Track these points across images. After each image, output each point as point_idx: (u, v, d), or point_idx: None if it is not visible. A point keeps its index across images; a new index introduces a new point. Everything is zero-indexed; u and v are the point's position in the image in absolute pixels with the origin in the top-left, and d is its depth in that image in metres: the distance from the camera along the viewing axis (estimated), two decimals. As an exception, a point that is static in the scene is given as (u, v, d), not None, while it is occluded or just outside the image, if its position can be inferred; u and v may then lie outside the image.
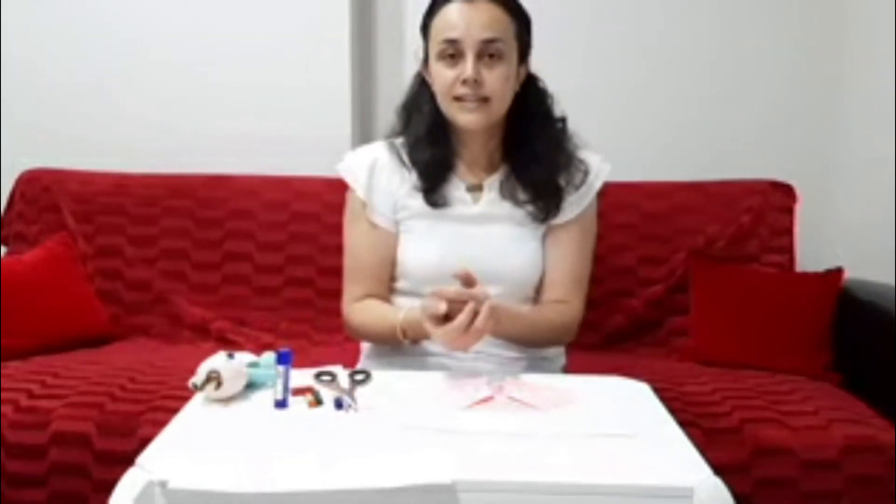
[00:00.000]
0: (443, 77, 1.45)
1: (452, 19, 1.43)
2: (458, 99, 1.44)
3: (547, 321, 1.52)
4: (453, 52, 1.43)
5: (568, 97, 1.56)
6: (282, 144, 2.43)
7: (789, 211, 2.20)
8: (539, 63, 1.57)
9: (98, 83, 2.47)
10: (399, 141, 1.56)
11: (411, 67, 1.59)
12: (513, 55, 1.46)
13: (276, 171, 2.31)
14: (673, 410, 1.22)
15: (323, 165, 2.18)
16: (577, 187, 1.53)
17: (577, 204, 1.54)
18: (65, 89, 2.47)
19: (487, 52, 1.43)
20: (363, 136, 2.49)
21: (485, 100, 1.44)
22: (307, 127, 2.42)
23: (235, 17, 2.42)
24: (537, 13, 1.53)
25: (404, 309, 1.47)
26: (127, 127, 2.47)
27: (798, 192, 2.20)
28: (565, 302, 1.54)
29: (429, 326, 1.29)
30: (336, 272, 1.69)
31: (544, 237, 1.55)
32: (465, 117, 1.46)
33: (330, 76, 2.41)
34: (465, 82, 1.42)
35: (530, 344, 1.53)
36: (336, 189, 1.67)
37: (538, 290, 1.57)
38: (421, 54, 1.52)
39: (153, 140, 2.46)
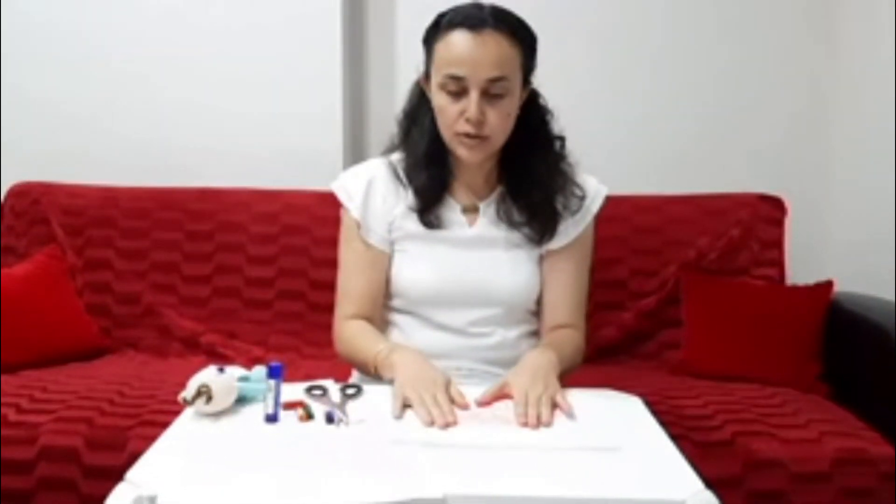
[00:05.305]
0: (445, 111, 1.42)
1: (458, 53, 1.39)
2: (458, 135, 1.42)
3: (570, 352, 1.48)
4: (456, 87, 1.40)
5: (559, 110, 1.56)
6: (272, 157, 2.43)
7: (779, 223, 2.21)
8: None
9: (88, 96, 2.46)
10: (396, 157, 1.55)
11: (403, 80, 1.58)
12: (517, 87, 1.43)
13: (267, 184, 2.31)
14: (665, 423, 1.22)
15: (314, 178, 2.18)
16: (574, 213, 1.52)
17: (574, 228, 1.52)
18: (54, 102, 2.47)
19: (492, 90, 1.40)
20: (354, 149, 2.49)
21: (485, 137, 1.42)
22: (298, 140, 2.42)
23: (226, 33, 2.43)
24: (532, 23, 1.50)
25: (382, 345, 1.44)
26: (117, 140, 2.47)
27: (791, 205, 2.22)
28: (569, 326, 1.53)
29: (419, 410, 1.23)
30: (327, 285, 1.69)
31: (541, 260, 1.54)
32: (464, 153, 1.44)
33: (321, 89, 2.41)
34: (467, 120, 1.40)
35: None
36: (327, 202, 1.66)
37: (534, 311, 1.56)
38: (422, 67, 1.49)
39: (143, 153, 2.46)
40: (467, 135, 1.41)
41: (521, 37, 1.43)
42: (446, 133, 1.45)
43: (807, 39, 2.44)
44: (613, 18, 2.45)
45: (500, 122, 1.42)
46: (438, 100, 1.43)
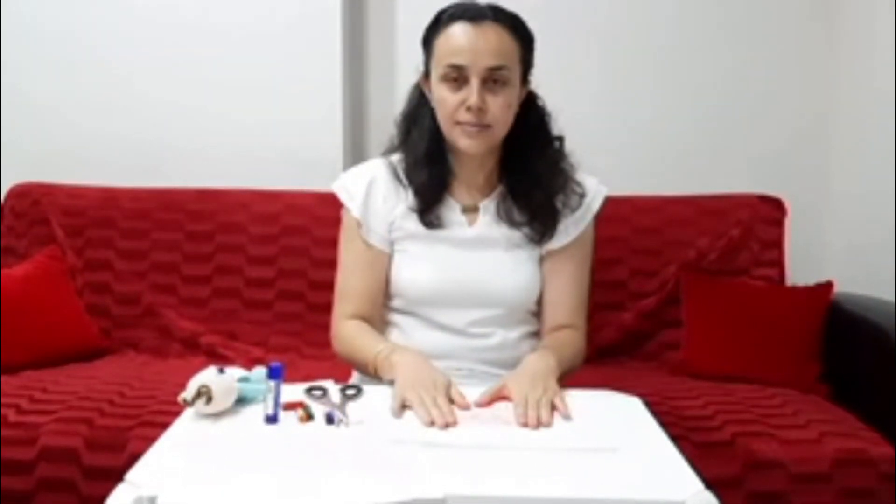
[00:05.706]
0: (445, 101, 1.43)
1: (458, 43, 1.41)
2: (459, 123, 1.43)
3: (569, 354, 1.48)
4: (457, 77, 1.41)
5: (560, 111, 1.56)
6: (273, 159, 2.43)
7: (778, 224, 2.21)
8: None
9: (88, 98, 2.46)
10: (396, 157, 1.55)
11: (403, 81, 1.58)
12: (516, 79, 1.44)
13: (267, 185, 2.31)
14: (664, 424, 1.22)
15: (314, 180, 2.18)
16: (574, 210, 1.52)
17: (575, 227, 1.53)
18: (54, 103, 2.47)
19: (493, 79, 1.41)
20: (354, 150, 2.49)
21: (487, 126, 1.42)
22: (299, 142, 2.42)
23: (227, 35, 2.42)
24: (533, 23, 1.51)
25: (382, 345, 1.45)
26: (117, 141, 2.46)
27: (791, 207, 2.22)
28: (570, 327, 1.53)
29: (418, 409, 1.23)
30: (327, 286, 1.69)
31: (542, 260, 1.54)
32: (466, 142, 1.44)
33: (321, 91, 2.41)
34: (468, 109, 1.40)
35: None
36: (327, 203, 1.66)
37: (535, 312, 1.56)
38: (422, 68, 1.50)
39: (143, 154, 2.46)
40: (469, 123, 1.42)
41: (521, 32, 1.45)
42: (446, 125, 1.45)
43: (808, 43, 2.43)
44: (616, 20, 2.45)
45: (501, 111, 1.43)
46: (439, 92, 1.44)
